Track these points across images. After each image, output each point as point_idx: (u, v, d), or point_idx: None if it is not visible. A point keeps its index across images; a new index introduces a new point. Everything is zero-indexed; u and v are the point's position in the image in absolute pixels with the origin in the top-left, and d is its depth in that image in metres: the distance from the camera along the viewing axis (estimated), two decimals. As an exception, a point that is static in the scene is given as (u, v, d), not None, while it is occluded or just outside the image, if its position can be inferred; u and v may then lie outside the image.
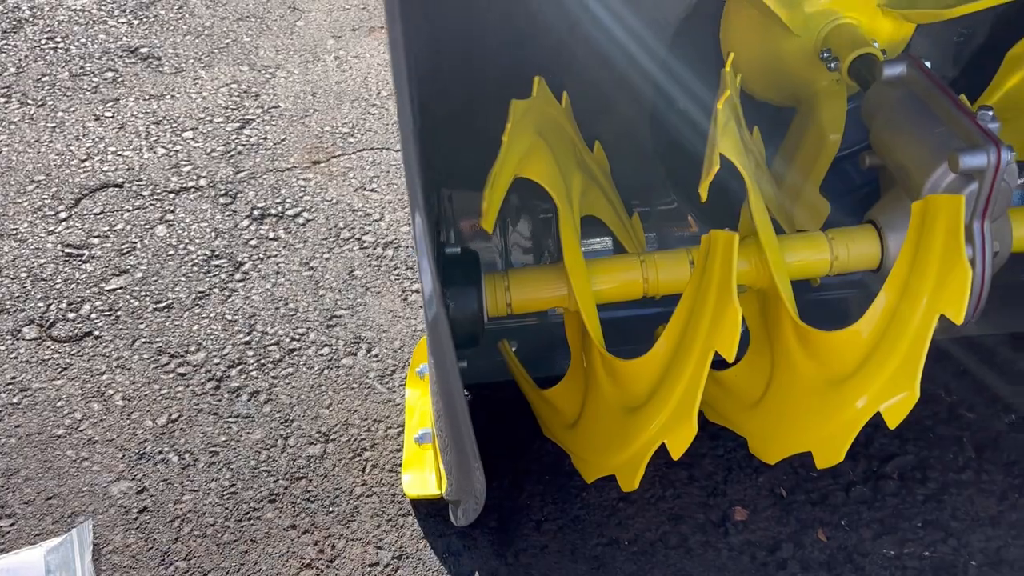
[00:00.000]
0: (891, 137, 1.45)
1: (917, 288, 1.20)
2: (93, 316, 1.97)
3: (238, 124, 2.55)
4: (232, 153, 2.44)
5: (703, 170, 1.25)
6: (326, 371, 1.83)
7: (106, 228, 2.20)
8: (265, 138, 2.49)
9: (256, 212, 2.24)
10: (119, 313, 1.98)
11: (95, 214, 2.24)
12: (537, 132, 1.41)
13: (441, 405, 1.17)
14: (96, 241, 2.16)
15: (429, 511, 1.56)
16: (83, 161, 2.41)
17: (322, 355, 1.87)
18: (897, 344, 1.21)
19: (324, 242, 2.14)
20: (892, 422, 1.21)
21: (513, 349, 1.79)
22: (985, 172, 1.24)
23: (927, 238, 1.20)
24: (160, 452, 1.69)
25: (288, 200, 2.27)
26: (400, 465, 1.64)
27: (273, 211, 2.24)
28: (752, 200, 1.36)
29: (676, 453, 1.24)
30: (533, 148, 1.38)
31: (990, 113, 1.29)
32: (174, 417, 1.75)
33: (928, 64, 1.87)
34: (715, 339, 1.19)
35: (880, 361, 1.23)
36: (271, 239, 2.16)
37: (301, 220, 2.21)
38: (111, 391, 1.81)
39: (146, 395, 1.80)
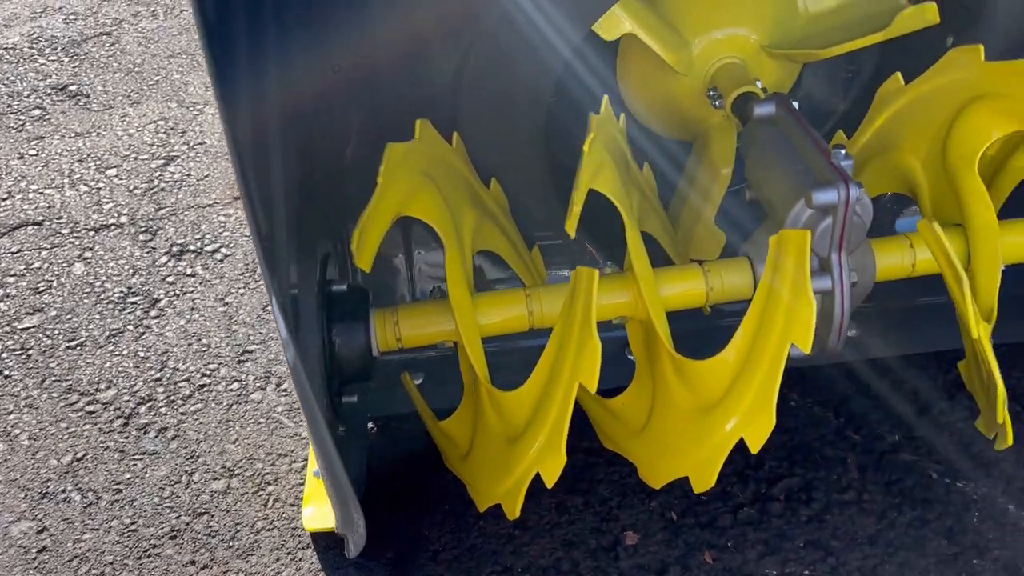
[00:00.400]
0: (760, 173, 1.52)
1: (771, 319, 1.26)
2: (4, 355, 1.98)
3: (163, 161, 2.57)
4: (155, 190, 2.46)
5: (568, 210, 1.31)
6: (235, 406, 1.85)
7: (23, 267, 2.21)
8: (189, 174, 2.52)
9: (175, 248, 2.26)
10: (31, 352, 1.98)
11: (12, 253, 2.25)
12: (422, 173, 1.45)
13: (313, 443, 1.21)
14: (11, 280, 2.17)
15: (328, 544, 1.59)
16: (3, 200, 2.42)
17: (232, 390, 1.89)
18: (756, 372, 1.27)
19: (240, 277, 2.17)
20: (753, 447, 1.27)
21: (419, 382, 1.83)
22: (837, 207, 1.32)
23: (780, 271, 1.27)
24: (63, 491, 1.70)
25: (208, 236, 2.30)
26: (302, 499, 1.66)
27: (192, 247, 2.26)
28: (629, 235, 1.42)
29: (549, 481, 1.29)
30: (417, 188, 1.42)
31: (843, 151, 1.36)
32: (79, 455, 1.76)
33: (807, 99, 1.98)
34: (579, 372, 1.24)
35: (742, 389, 1.29)
36: (188, 275, 2.18)
37: (219, 256, 2.23)
38: (17, 431, 1.81)
39: (52, 434, 1.81)
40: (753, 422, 1.26)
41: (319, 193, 1.54)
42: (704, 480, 1.33)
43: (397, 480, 1.69)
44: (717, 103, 1.71)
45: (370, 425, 1.79)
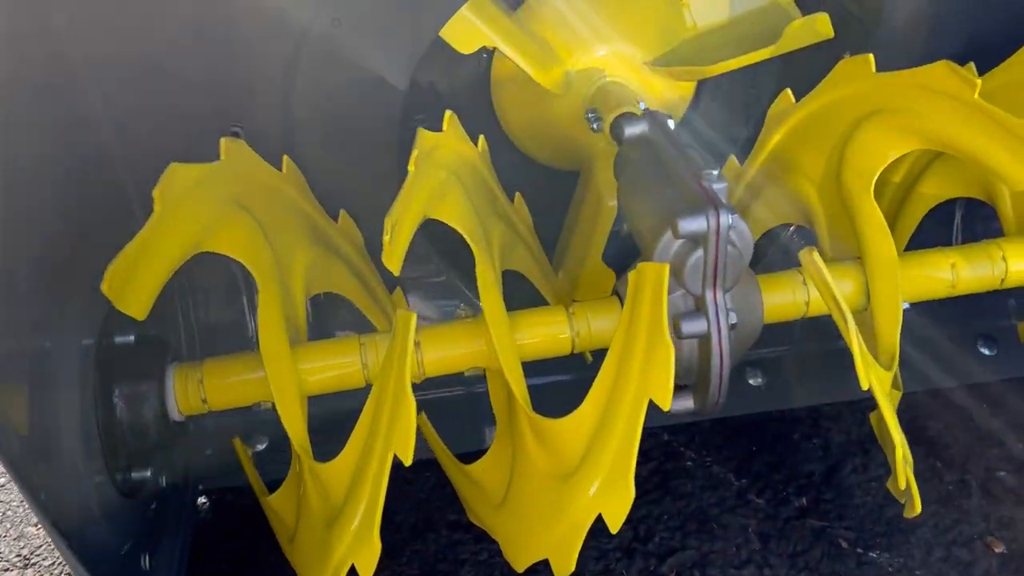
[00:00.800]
0: (629, 200, 1.33)
1: (628, 368, 1.05)
2: None
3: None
4: None
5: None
6: (45, 479, 1.58)
7: None
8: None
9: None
10: None
11: None
12: (231, 201, 1.23)
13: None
14: None
15: (130, 648, 1.31)
16: None
17: (45, 460, 1.62)
18: (612, 434, 1.06)
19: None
20: (612, 526, 1.05)
21: (261, 448, 1.58)
22: (707, 236, 1.12)
23: (637, 311, 1.06)
24: None
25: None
26: (107, 592, 1.39)
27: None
28: (479, 272, 1.21)
29: (364, 575, 1.05)
30: (222, 219, 1.20)
31: (715, 173, 1.17)
32: None
33: (708, 123, 1.81)
34: (393, 439, 1.01)
35: (599, 454, 1.08)
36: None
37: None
38: None
39: None
40: (610, 496, 1.04)
41: (108, 228, 1.27)
42: (564, 564, 1.11)
43: (228, 565, 1.44)
44: (595, 126, 1.52)
45: (201, 499, 1.54)
